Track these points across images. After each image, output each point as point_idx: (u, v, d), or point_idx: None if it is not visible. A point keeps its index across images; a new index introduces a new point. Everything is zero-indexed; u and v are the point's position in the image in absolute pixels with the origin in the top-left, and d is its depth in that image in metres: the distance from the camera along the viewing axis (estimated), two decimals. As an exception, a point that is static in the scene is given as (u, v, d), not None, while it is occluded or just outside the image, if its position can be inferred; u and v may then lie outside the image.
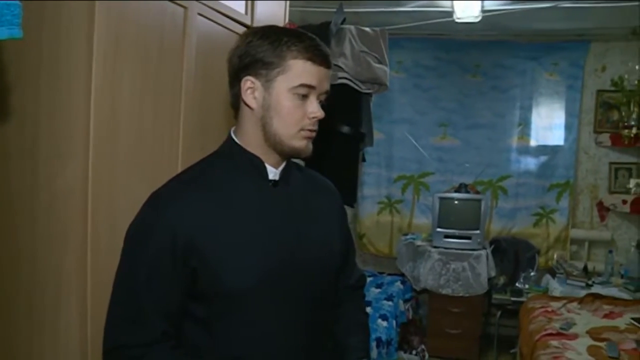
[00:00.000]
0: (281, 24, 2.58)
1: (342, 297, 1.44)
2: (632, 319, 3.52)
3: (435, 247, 4.54)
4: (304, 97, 1.21)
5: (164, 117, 1.67)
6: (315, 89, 1.21)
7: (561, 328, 3.34)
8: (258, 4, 2.24)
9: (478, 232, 4.51)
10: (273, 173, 1.27)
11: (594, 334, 3.29)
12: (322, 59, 1.21)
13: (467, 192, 4.73)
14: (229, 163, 1.27)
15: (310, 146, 1.26)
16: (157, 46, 1.61)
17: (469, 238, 4.50)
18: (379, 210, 5.20)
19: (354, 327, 1.46)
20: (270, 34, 1.22)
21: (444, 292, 4.42)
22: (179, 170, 1.76)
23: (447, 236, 4.54)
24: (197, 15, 1.79)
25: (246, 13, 2.17)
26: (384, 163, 5.13)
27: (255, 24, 2.23)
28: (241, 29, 2.16)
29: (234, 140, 1.28)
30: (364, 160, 3.21)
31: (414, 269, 4.59)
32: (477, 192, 4.80)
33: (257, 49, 1.20)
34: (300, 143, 1.24)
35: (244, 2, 2.15)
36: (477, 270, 4.38)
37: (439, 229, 4.57)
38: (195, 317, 1.21)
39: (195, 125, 1.82)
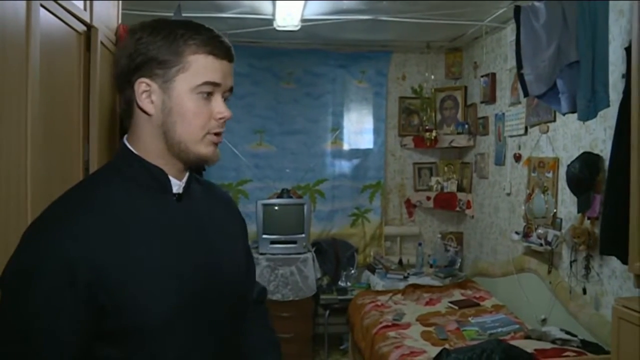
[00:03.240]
0: (114, 25, 2.37)
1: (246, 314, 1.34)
2: (450, 302, 3.90)
3: (262, 254, 4.53)
4: (209, 96, 1.09)
5: (8, 129, 1.40)
6: (220, 86, 1.09)
7: (394, 319, 3.56)
8: (95, 3, 2.03)
9: (303, 235, 4.61)
10: (177, 186, 1.13)
11: (422, 320, 3.57)
12: (225, 52, 1.09)
13: (290, 197, 4.81)
14: (126, 177, 1.10)
15: (218, 153, 1.14)
16: (-2, 43, 1.35)
17: (294, 242, 4.59)
18: (199, 221, 5.01)
19: (266, 346, 1.37)
20: (162, 27, 1.07)
21: (274, 298, 4.43)
22: (29, 189, 1.50)
23: (273, 242, 4.57)
24: (40, 7, 1.54)
25: (85, 9, 1.94)
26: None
27: (95, 22, 2.02)
28: (81, 28, 1.93)
29: (130, 150, 1.11)
30: (204, 169, 3.06)
31: (241, 278, 4.53)
32: (299, 197, 4.90)
33: (150, 46, 1.05)
34: (207, 149, 1.10)
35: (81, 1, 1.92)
36: (305, 273, 4.48)
37: (264, 236, 4.59)
38: None
39: (44, 135, 1.57)
